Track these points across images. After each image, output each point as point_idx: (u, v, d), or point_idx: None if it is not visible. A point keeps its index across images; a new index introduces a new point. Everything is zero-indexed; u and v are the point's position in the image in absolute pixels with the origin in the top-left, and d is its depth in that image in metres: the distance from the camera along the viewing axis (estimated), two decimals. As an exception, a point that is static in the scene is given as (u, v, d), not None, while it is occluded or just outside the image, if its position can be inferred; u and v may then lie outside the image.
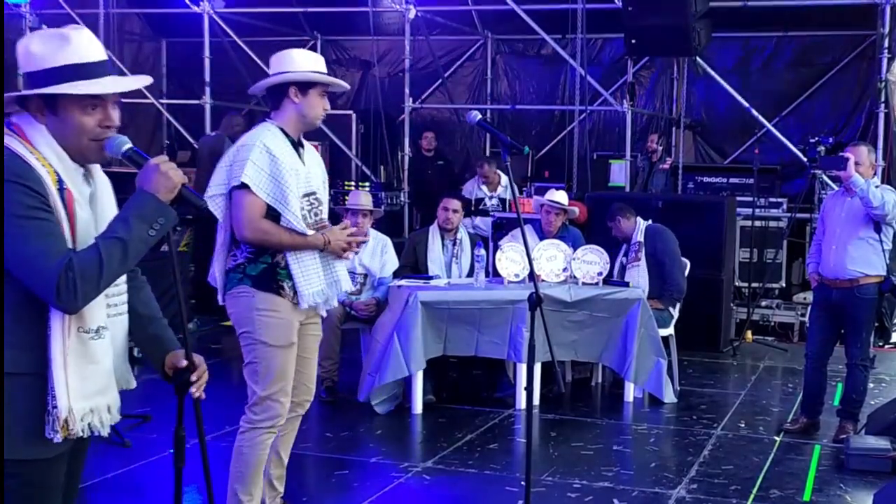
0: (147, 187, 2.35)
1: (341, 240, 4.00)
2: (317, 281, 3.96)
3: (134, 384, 2.61)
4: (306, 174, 3.97)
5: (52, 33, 2.42)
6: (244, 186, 3.81)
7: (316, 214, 4.01)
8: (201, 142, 10.22)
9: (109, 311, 2.46)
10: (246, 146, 3.87)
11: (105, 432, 2.43)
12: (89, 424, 2.38)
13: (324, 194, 4.12)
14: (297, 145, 3.99)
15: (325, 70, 4.03)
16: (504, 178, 9.45)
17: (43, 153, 2.34)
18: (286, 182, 3.84)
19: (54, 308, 2.29)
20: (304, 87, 3.93)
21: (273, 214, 3.87)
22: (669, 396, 6.74)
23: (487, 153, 12.07)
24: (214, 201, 3.90)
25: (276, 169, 3.83)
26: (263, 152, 3.83)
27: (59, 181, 2.33)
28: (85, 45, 2.41)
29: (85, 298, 2.28)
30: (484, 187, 9.35)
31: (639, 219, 7.33)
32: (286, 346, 3.91)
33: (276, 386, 3.91)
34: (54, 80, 2.36)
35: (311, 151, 4.12)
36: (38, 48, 2.38)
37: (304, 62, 3.96)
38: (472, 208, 9.02)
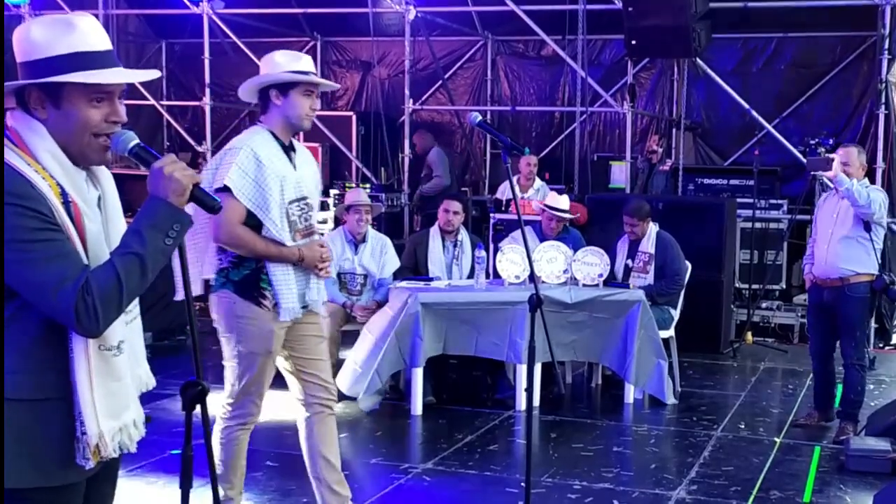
0: (157, 193, 2.18)
1: (316, 257, 3.95)
2: (296, 292, 3.93)
3: (154, 383, 2.50)
4: (297, 179, 3.93)
5: (55, 19, 2.21)
6: (226, 189, 3.76)
7: (306, 220, 3.98)
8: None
9: (126, 317, 2.29)
10: (233, 150, 3.85)
11: (133, 448, 2.31)
12: (119, 443, 2.27)
13: (315, 199, 4.08)
14: (288, 149, 3.95)
15: (310, 69, 3.96)
16: (538, 180, 9.41)
17: (42, 162, 2.14)
18: (270, 189, 3.80)
19: (75, 333, 2.15)
20: (284, 88, 3.89)
21: (253, 222, 3.83)
22: (670, 398, 6.74)
23: (488, 155, 12.07)
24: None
25: (262, 175, 3.79)
26: (251, 157, 3.80)
27: (63, 193, 2.14)
28: (91, 32, 2.22)
29: (106, 322, 2.13)
30: (517, 187, 9.24)
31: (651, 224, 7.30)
32: (263, 354, 3.93)
33: (251, 388, 3.97)
34: (59, 70, 2.16)
35: (303, 154, 4.06)
36: (41, 35, 2.19)
37: (283, 63, 3.91)
38: (504, 208, 8.93)
